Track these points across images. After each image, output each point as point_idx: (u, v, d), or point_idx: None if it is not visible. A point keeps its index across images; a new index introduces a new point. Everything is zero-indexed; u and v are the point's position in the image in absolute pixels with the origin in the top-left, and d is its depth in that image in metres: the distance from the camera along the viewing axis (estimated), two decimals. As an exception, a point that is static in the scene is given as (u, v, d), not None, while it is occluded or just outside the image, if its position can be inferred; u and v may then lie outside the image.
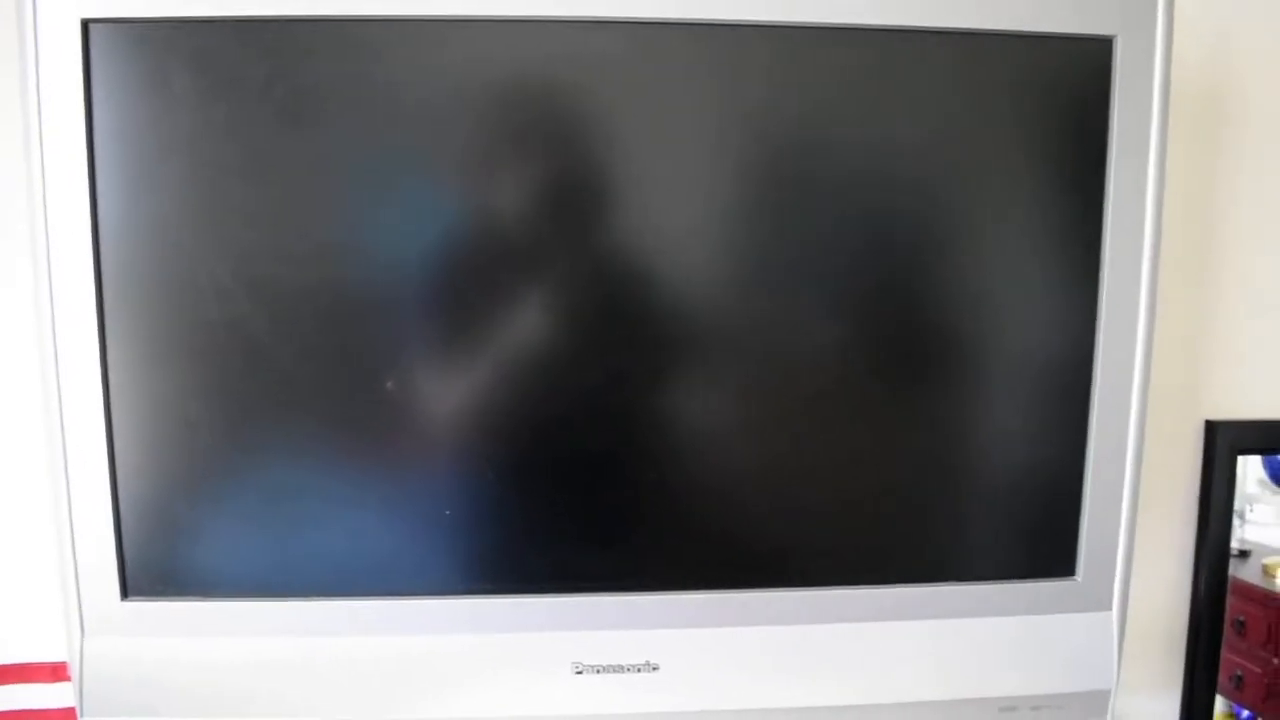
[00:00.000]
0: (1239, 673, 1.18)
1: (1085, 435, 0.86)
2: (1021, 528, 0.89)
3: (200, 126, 0.77)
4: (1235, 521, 1.18)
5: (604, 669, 0.84)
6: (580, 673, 0.84)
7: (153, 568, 0.82)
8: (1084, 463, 0.87)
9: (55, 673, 1.04)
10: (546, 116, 0.80)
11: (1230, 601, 1.18)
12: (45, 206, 0.76)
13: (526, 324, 0.82)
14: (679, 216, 0.83)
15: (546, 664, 0.84)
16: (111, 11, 0.75)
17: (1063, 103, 0.83)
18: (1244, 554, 1.19)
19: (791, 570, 0.87)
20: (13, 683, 1.04)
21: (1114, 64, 0.81)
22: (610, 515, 0.85)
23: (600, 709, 0.85)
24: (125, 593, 0.81)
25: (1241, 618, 1.18)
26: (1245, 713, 1.19)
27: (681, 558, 0.86)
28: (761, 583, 0.86)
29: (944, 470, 0.88)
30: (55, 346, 0.78)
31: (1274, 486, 1.18)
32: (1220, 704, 1.20)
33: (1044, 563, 0.89)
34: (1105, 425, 0.86)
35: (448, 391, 0.82)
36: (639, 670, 0.85)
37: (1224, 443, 1.14)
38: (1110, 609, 0.89)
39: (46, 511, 0.82)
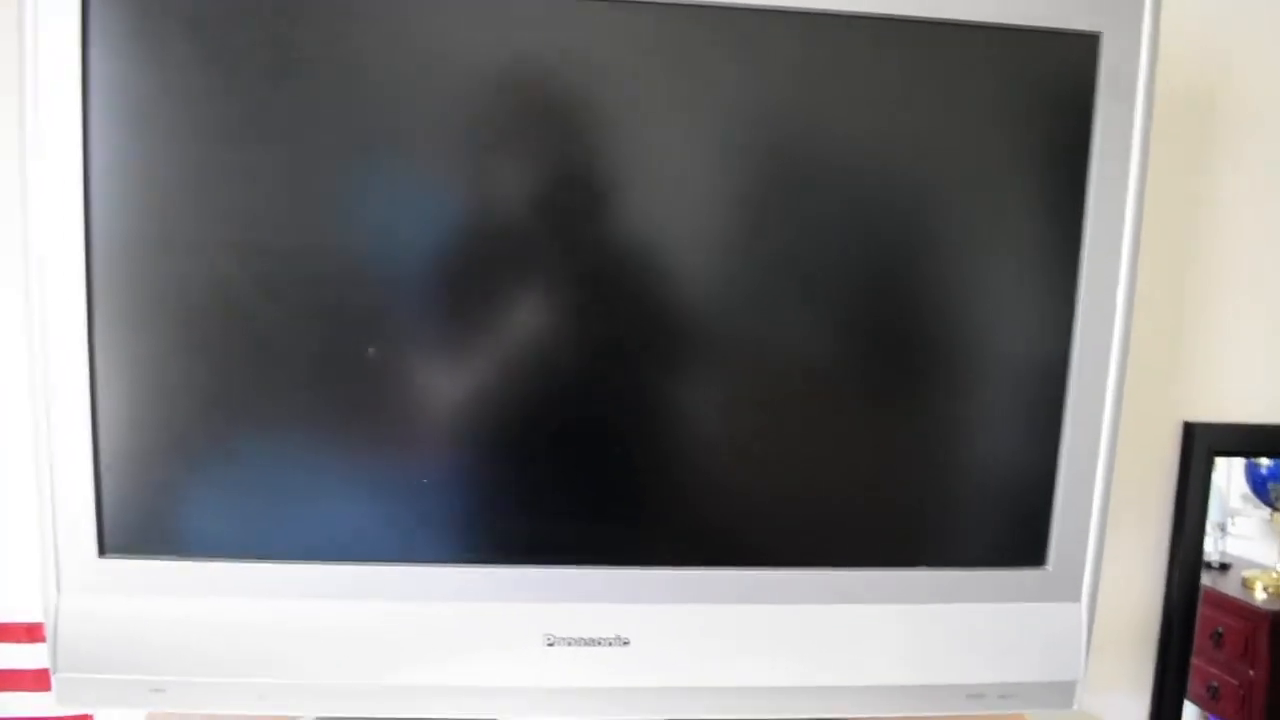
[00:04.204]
0: (1215, 684, 1.19)
1: (1059, 428, 0.87)
2: (995, 517, 0.90)
3: (197, 93, 0.78)
4: (1217, 534, 1.18)
5: (575, 641, 0.85)
6: (552, 644, 0.85)
7: (131, 526, 0.82)
8: (1057, 454, 0.87)
9: (31, 633, 1.04)
10: (543, 97, 0.81)
11: (1210, 613, 1.18)
12: (39, 169, 0.77)
13: (510, 302, 0.82)
14: (669, 206, 0.83)
15: (519, 634, 0.85)
16: (109, -26, 0.76)
17: (1047, 98, 0.84)
18: (1225, 566, 1.20)
19: (764, 550, 0.87)
20: (-11, 640, 1.04)
21: (1099, 60, 0.82)
22: (585, 489, 0.85)
23: (571, 681, 0.86)
24: (103, 550, 0.82)
25: (1220, 629, 1.19)
26: (1219, 723, 1.20)
27: (655, 534, 0.87)
28: (733, 561, 0.86)
29: (920, 458, 0.88)
30: (41, 304, 0.78)
31: (1256, 500, 1.19)
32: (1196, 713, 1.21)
33: (1016, 552, 0.89)
34: (1080, 418, 0.87)
35: (429, 364, 0.83)
36: (610, 644, 0.85)
37: (1201, 445, 1.15)
38: (1079, 600, 0.90)
39: (26, 469, 0.82)
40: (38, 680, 1.05)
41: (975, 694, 0.90)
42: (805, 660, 0.87)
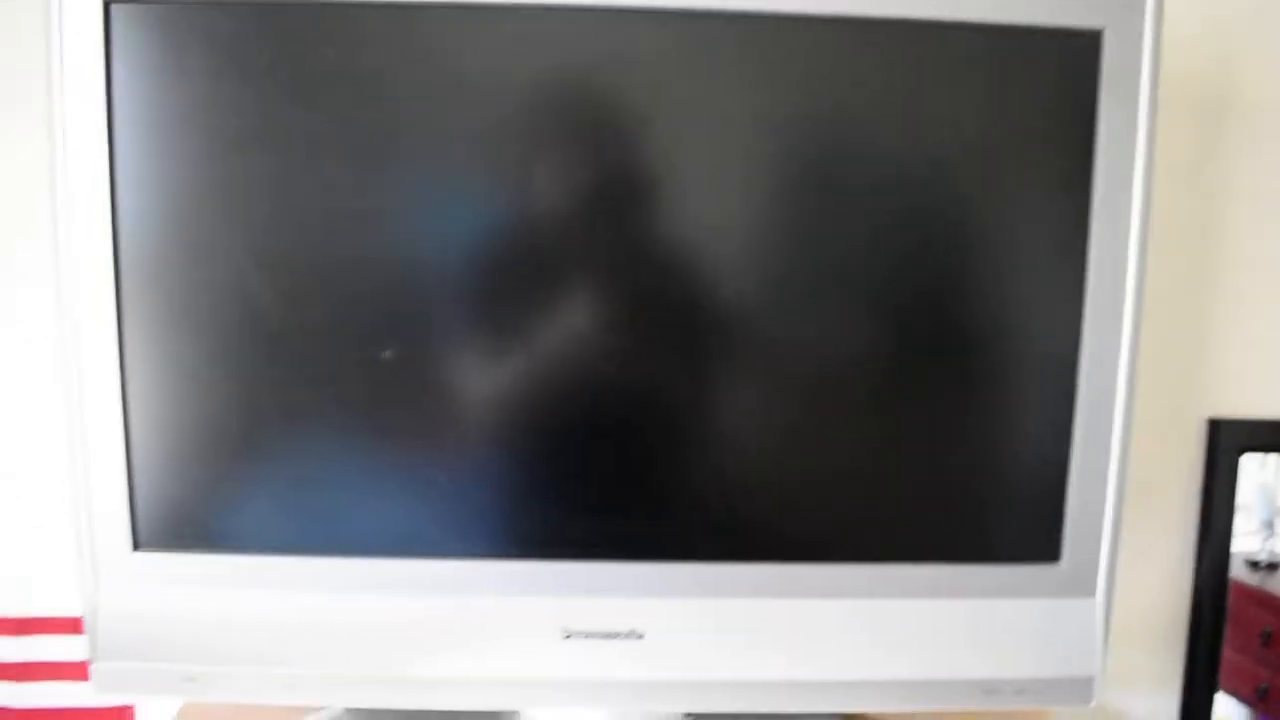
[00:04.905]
0: (1265, 685, 1.18)
1: (1070, 424, 0.87)
2: (1009, 512, 0.90)
3: (220, 107, 0.81)
4: (1265, 533, 1.17)
5: (592, 634, 0.87)
6: (569, 637, 0.87)
7: (164, 522, 0.85)
8: (1069, 451, 0.87)
9: (75, 626, 1.08)
10: (567, 106, 0.83)
11: (1257, 613, 1.17)
12: (67, 181, 0.80)
13: (531, 302, 0.84)
14: (697, 209, 0.85)
15: (537, 627, 0.87)
16: (133, -7, 0.79)
17: (1051, 95, 0.84)
18: (1274, 566, 1.18)
19: (778, 545, 0.88)
20: (35, 634, 1.08)
21: (1102, 57, 0.82)
22: (602, 485, 0.87)
23: (588, 673, 0.87)
24: (136, 545, 0.85)
25: (1268, 629, 1.18)
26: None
27: (671, 529, 0.88)
28: (747, 556, 0.88)
29: (934, 454, 0.89)
30: (73, 308, 0.82)
31: (1303, 498, 1.18)
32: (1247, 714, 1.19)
33: (1030, 547, 0.89)
34: (1091, 414, 0.87)
35: (451, 364, 0.85)
36: (625, 637, 0.87)
37: (1227, 441, 1.14)
38: (1094, 596, 0.90)
39: (65, 469, 0.86)
40: (79, 671, 1.09)
41: (990, 689, 0.90)
42: (820, 654, 0.88)
